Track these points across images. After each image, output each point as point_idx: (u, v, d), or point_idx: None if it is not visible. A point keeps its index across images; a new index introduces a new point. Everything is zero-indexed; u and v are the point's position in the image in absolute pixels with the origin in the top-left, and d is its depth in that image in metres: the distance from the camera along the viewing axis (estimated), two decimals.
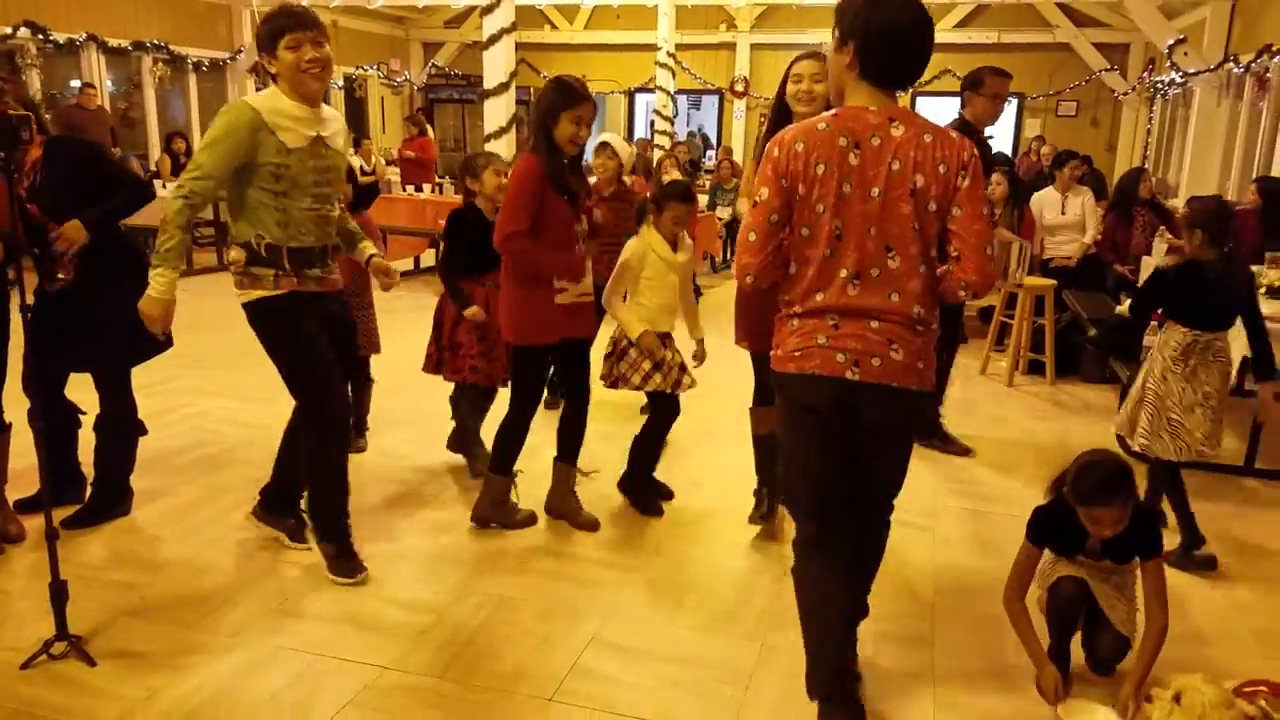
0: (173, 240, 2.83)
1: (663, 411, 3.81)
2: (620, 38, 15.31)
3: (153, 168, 10.42)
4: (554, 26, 16.14)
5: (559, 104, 3.24)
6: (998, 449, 4.74)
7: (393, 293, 3.55)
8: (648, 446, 3.86)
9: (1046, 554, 2.74)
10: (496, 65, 9.05)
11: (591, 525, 3.61)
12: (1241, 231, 6.45)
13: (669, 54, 10.76)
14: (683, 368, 3.76)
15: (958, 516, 3.85)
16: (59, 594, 2.68)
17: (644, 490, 3.87)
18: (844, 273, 2.19)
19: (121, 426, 3.50)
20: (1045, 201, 7.06)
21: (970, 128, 4.23)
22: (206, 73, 12.26)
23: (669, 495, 3.94)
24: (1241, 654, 2.91)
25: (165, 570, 3.23)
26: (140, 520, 3.59)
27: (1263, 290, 4.72)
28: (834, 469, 2.34)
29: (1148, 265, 6.15)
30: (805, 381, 2.24)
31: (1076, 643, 2.77)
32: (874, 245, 2.17)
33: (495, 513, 3.59)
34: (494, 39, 8.95)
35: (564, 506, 3.66)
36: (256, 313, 3.02)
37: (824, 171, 2.15)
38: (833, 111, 2.23)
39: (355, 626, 2.90)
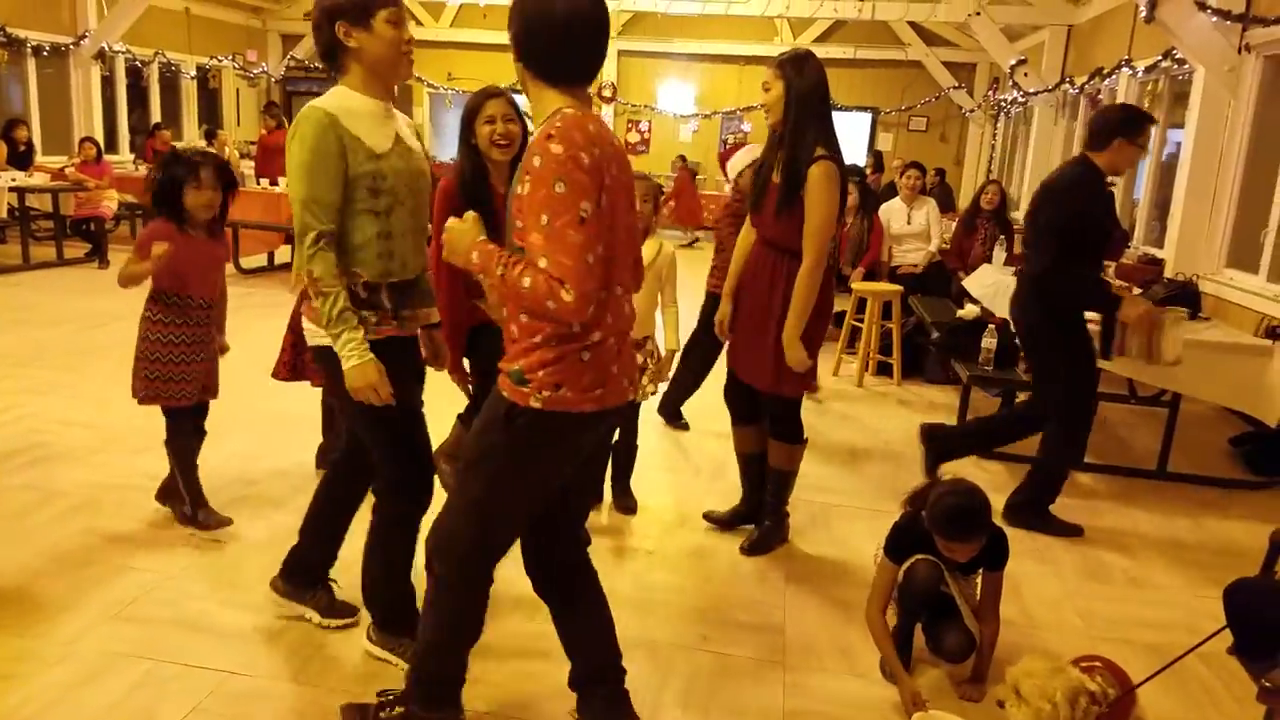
0: (337, 299, 2.30)
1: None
2: (487, 37, 15.21)
3: None
4: (419, 23, 15.90)
5: (470, 108, 3.22)
6: (846, 446, 4.97)
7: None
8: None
9: None
10: None
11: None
12: None
13: None
14: (641, 370, 3.61)
15: (806, 509, 4.01)
16: None
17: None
18: (619, 290, 2.08)
19: None
20: (892, 211, 7.43)
21: (1096, 173, 3.77)
22: (47, 58, 11.53)
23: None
24: (1070, 635, 3.13)
25: None
26: None
27: None
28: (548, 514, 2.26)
29: (986, 272, 6.56)
30: (599, 419, 2.07)
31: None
32: (628, 258, 2.12)
33: (443, 459, 3.62)
34: None
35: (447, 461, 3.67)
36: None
37: (609, 182, 1.96)
38: (580, 113, 1.96)
39: (199, 632, 2.81)
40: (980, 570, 2.79)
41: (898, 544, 2.79)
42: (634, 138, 16.36)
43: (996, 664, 2.74)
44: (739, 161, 4.64)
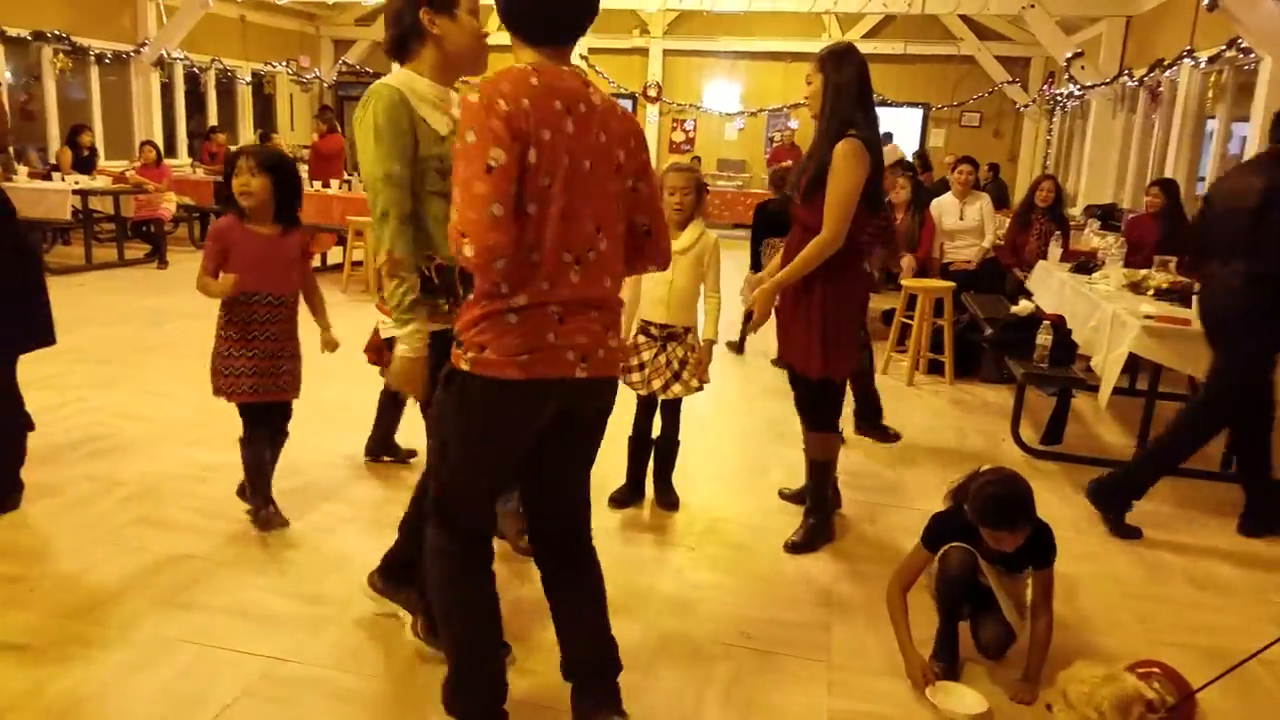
0: (413, 286, 2.27)
1: (638, 407, 3.78)
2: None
3: (52, 160, 10.06)
4: None
5: None
6: (895, 445, 4.90)
7: None
8: (634, 445, 3.85)
9: None
10: None
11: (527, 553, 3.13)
12: (1143, 235, 6.80)
13: (582, 57, 10.83)
14: (676, 375, 3.62)
15: (854, 507, 3.96)
16: None
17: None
18: (568, 257, 1.95)
19: (4, 423, 3.38)
20: (944, 207, 7.30)
21: None
22: (110, 65, 11.86)
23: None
24: (1128, 639, 3.04)
25: (54, 564, 3.14)
26: (31, 515, 3.48)
27: (1150, 293, 4.96)
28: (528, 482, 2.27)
29: (1042, 269, 6.43)
30: (528, 388, 1.98)
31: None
32: (589, 226, 1.97)
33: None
34: None
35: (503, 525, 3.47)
36: (431, 350, 2.35)
37: (550, 138, 1.88)
38: (529, 66, 1.93)
39: (249, 618, 2.86)
40: (1029, 569, 2.73)
41: (936, 533, 2.76)
42: (679, 137, 16.35)
43: (1051, 665, 2.67)
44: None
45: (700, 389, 3.70)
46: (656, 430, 3.85)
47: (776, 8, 11.94)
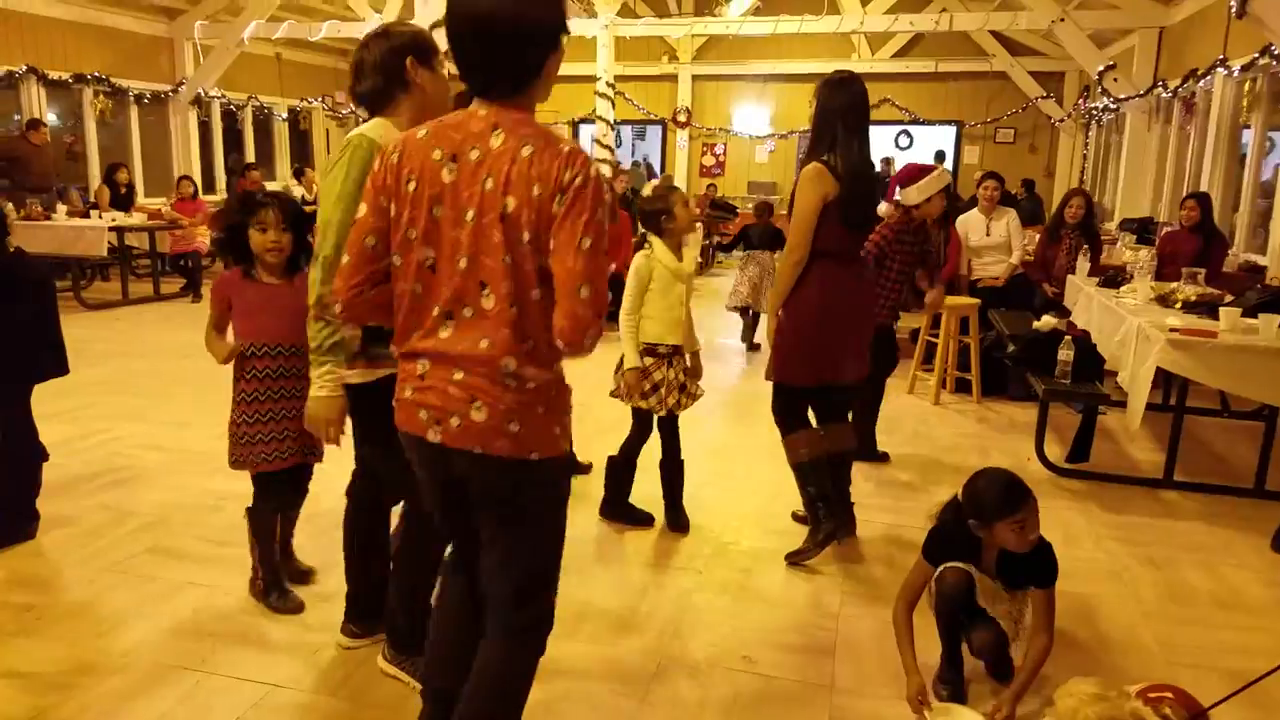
0: (339, 329, 2.36)
1: (638, 429, 3.82)
2: (562, 69, 15.48)
3: (92, 199, 10.33)
4: None
5: None
6: (918, 464, 4.81)
7: None
8: (623, 468, 3.88)
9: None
10: None
11: None
12: (1177, 249, 6.64)
13: (608, 84, 10.90)
14: (683, 387, 3.73)
15: (869, 529, 3.89)
16: None
17: (624, 509, 3.91)
18: (436, 310, 1.83)
19: (18, 452, 3.45)
20: (969, 223, 7.21)
21: None
22: (148, 105, 12.19)
23: (648, 521, 3.91)
24: (1145, 661, 2.95)
25: (64, 593, 3.18)
26: (45, 544, 3.54)
27: (1178, 305, 4.83)
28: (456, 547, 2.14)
29: (1073, 285, 6.30)
30: (405, 439, 1.95)
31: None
32: (466, 280, 1.79)
33: None
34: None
35: None
36: (377, 393, 2.41)
37: (415, 189, 1.82)
38: (440, 119, 1.89)
39: (248, 645, 2.87)
40: (1029, 589, 2.66)
41: (937, 546, 2.71)
42: (709, 161, 16.37)
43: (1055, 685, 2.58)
44: (927, 186, 4.51)
45: (701, 394, 3.83)
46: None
47: (802, 29, 11.92)
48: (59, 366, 3.42)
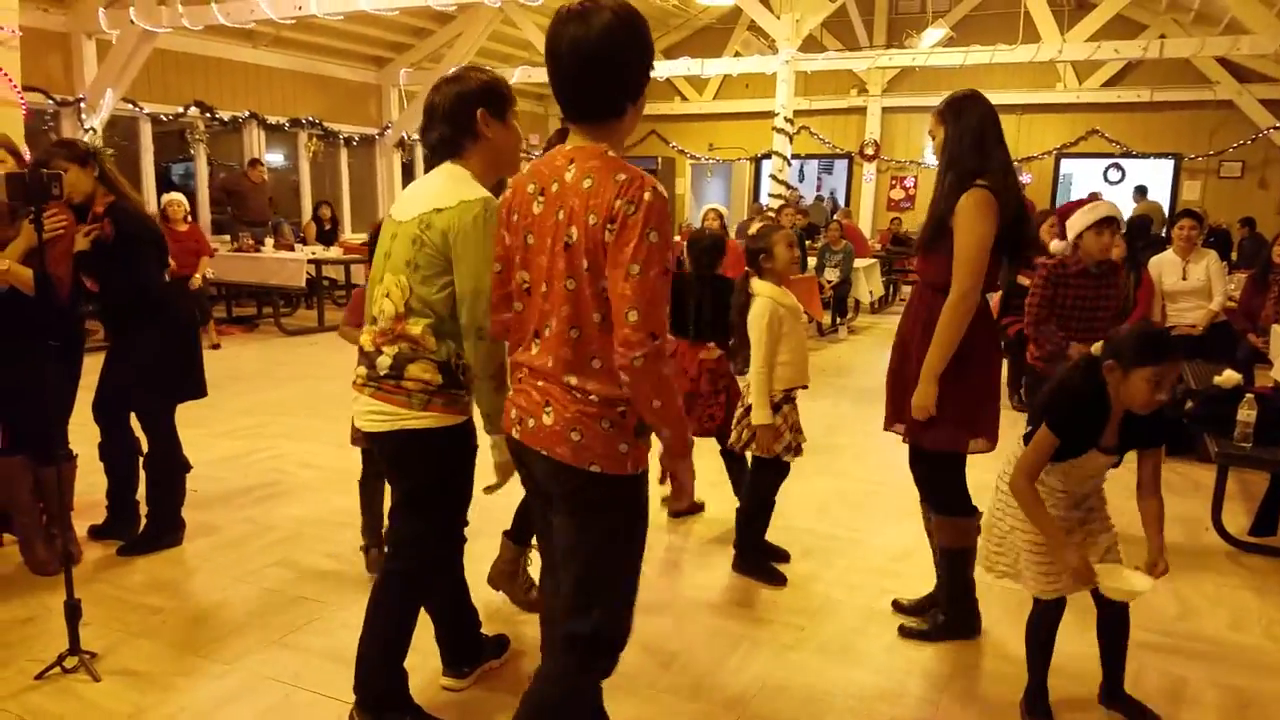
0: (484, 395, 2.39)
1: (773, 473, 3.66)
2: (747, 106, 15.60)
3: (302, 234, 11.26)
4: (684, 98, 16.56)
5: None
6: None
7: None
8: (758, 512, 3.75)
9: (1043, 479, 2.65)
10: None
11: (536, 607, 3.06)
12: None
13: (786, 119, 10.79)
14: (796, 426, 3.61)
15: (1003, 593, 3.58)
16: (73, 612, 2.88)
17: (760, 561, 3.73)
18: (531, 328, 2.01)
19: (164, 464, 3.76)
20: (1163, 265, 6.59)
21: None
22: (357, 147, 13.19)
23: (784, 556, 3.82)
24: None
25: (193, 599, 3.42)
26: (189, 551, 3.83)
27: None
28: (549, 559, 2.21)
29: (1277, 335, 5.63)
30: (509, 442, 2.13)
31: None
32: (547, 302, 1.95)
33: (503, 582, 3.37)
34: None
35: (507, 584, 3.38)
36: (450, 439, 2.46)
37: (516, 220, 2.02)
38: (543, 156, 2.05)
39: (340, 662, 2.94)
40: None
41: (1069, 415, 2.57)
42: (898, 194, 15.90)
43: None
44: (1079, 220, 4.18)
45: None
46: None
47: (996, 61, 11.40)
48: (199, 388, 3.78)
